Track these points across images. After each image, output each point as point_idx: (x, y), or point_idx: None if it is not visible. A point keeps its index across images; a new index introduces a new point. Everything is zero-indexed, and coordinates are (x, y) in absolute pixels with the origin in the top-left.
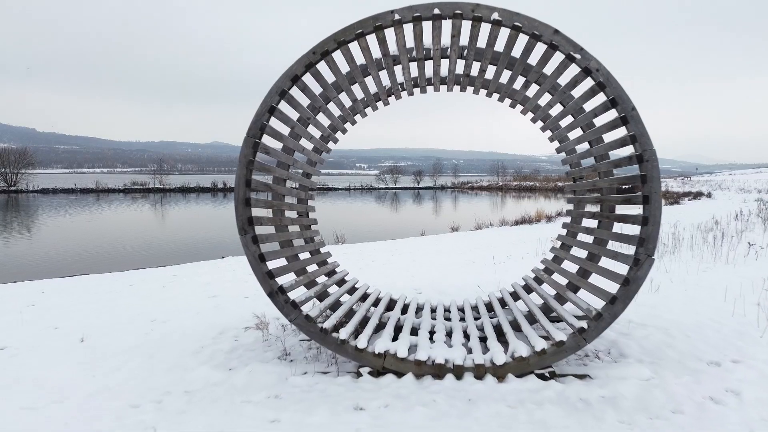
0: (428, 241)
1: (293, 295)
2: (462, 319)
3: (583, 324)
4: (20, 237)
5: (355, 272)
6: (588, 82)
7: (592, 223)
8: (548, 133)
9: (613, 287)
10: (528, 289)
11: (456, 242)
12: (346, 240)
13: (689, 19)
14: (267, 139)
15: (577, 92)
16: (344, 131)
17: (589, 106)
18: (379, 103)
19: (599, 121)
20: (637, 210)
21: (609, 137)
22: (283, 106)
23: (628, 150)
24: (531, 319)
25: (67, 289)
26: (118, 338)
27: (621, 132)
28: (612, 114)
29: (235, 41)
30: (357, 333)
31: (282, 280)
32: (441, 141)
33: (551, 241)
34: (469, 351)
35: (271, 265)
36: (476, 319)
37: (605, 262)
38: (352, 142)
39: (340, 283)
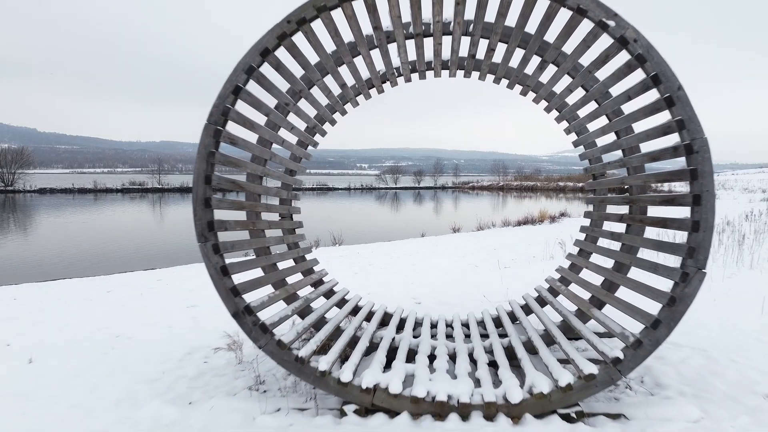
0: (428, 242)
1: (272, 311)
2: (467, 337)
3: (618, 353)
4: (12, 237)
5: (350, 278)
6: (621, 58)
7: (612, 227)
8: (552, 132)
9: (647, 305)
10: (542, 301)
11: (457, 244)
12: (343, 241)
13: (687, 19)
14: (242, 131)
15: (603, 73)
16: (333, 122)
17: (616, 90)
18: (373, 90)
19: (630, 106)
20: (671, 212)
21: (640, 126)
22: (255, 89)
23: (663, 141)
24: (548, 339)
25: (41, 295)
26: (71, 359)
27: (661, 118)
28: (650, 96)
29: (237, 40)
30: (343, 359)
31: (259, 293)
32: (441, 141)
33: (559, 244)
34: (477, 383)
35: (245, 276)
36: (483, 337)
37: (634, 274)
38: (353, 142)
39: (328, 294)
